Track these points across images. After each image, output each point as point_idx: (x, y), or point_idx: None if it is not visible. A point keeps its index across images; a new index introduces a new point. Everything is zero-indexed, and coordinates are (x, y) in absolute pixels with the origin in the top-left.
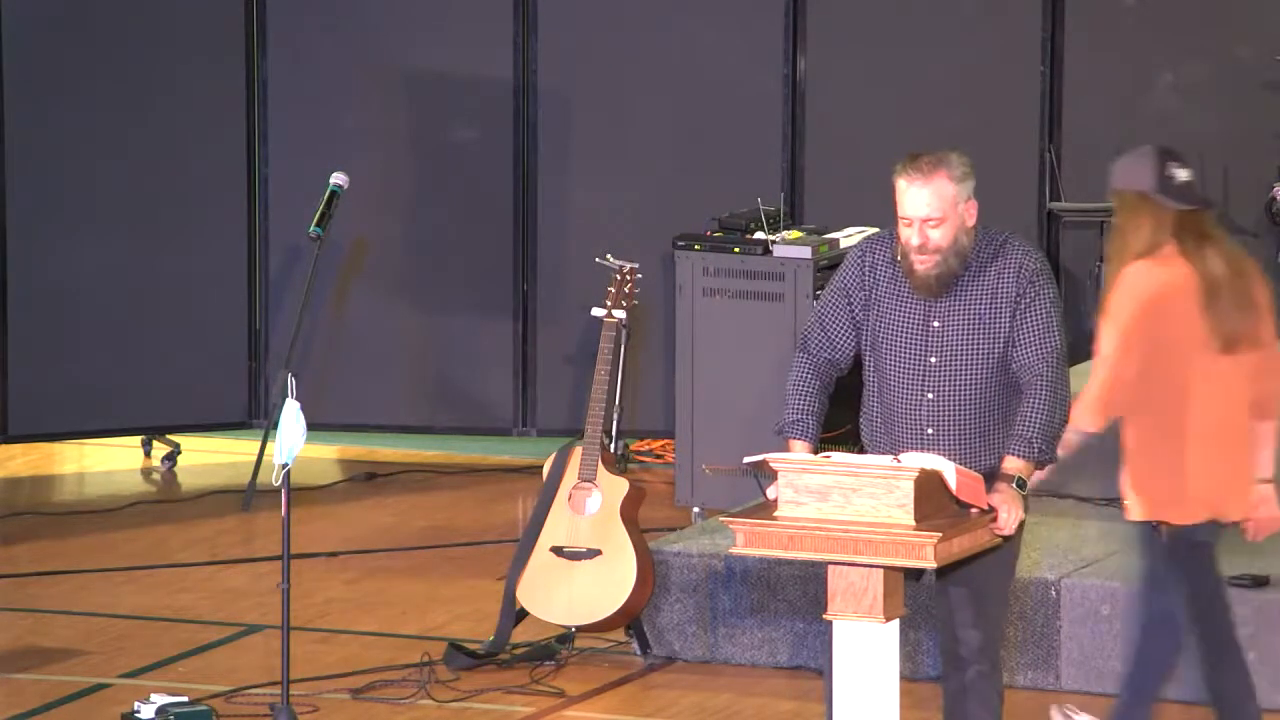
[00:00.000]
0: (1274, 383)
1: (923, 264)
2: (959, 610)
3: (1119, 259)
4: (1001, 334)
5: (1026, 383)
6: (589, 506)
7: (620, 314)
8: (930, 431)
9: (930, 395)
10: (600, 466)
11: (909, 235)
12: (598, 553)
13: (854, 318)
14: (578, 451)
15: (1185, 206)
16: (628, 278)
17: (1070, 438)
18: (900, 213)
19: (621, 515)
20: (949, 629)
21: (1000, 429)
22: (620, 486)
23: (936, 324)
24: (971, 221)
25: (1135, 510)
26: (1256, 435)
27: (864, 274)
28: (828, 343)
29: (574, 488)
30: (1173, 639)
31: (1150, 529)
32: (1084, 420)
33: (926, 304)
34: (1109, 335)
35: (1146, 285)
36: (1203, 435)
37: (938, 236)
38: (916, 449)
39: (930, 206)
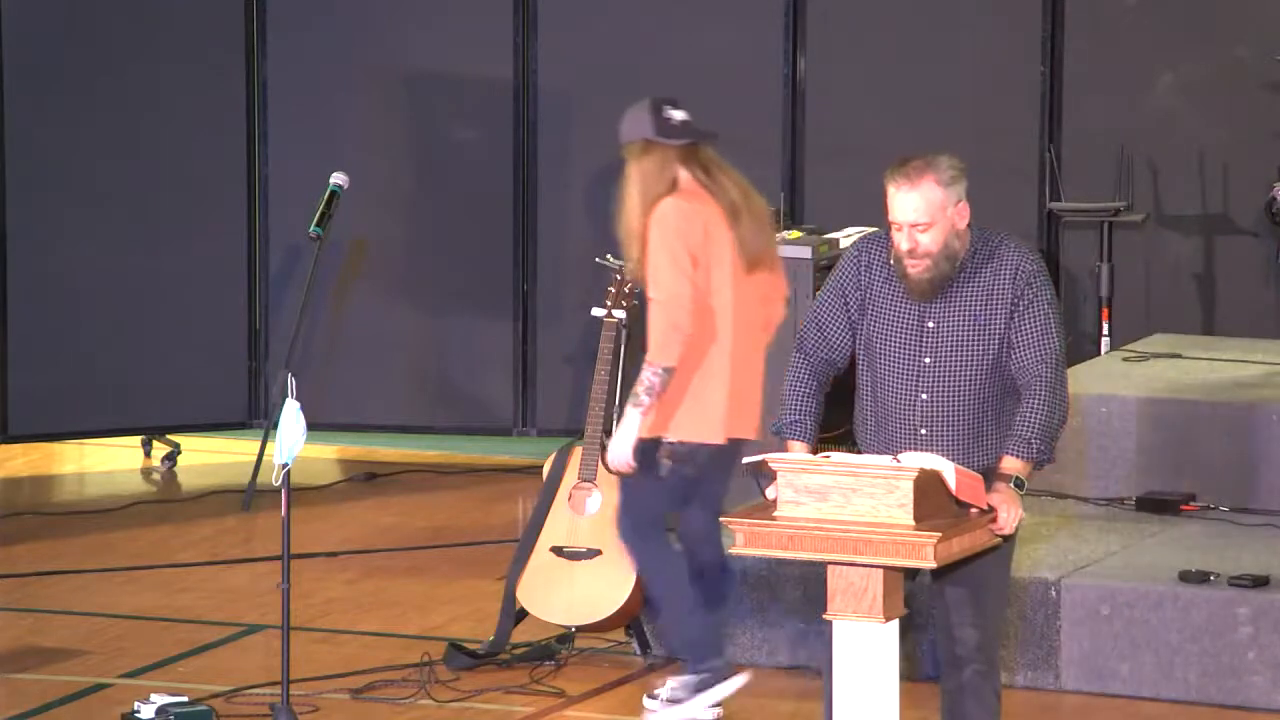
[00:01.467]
0: (779, 305)
1: (914, 268)
2: (957, 609)
3: (642, 206)
4: (997, 335)
5: (1025, 384)
6: (589, 506)
7: (620, 314)
8: (924, 432)
9: (924, 396)
10: (600, 467)
11: (899, 240)
12: (598, 553)
13: (850, 318)
14: (578, 451)
15: (685, 141)
16: (628, 278)
17: (653, 379)
18: (890, 217)
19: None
20: (946, 628)
21: (994, 429)
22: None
23: (931, 324)
24: (963, 224)
25: (652, 427)
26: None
27: (860, 274)
28: (824, 343)
29: (574, 488)
30: (711, 550)
31: (663, 446)
32: (666, 357)
33: (922, 305)
34: (662, 273)
35: (681, 217)
36: (735, 355)
37: (927, 241)
38: (910, 449)
39: (918, 211)
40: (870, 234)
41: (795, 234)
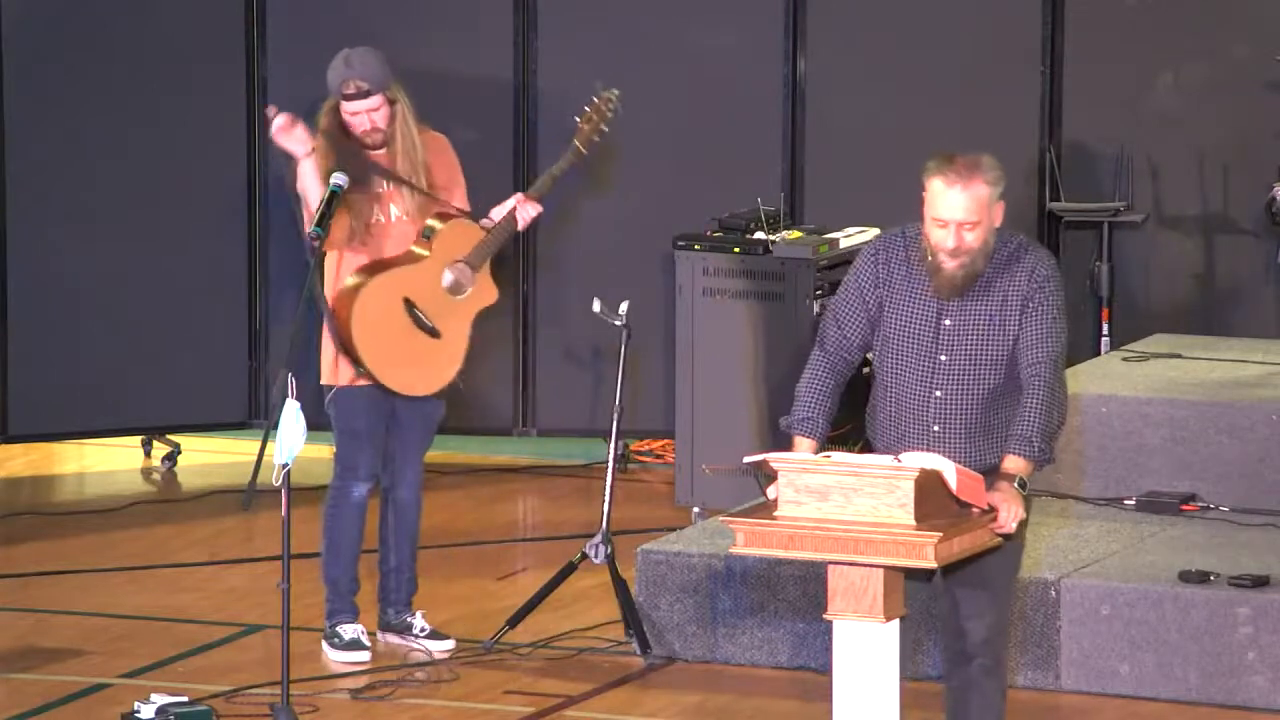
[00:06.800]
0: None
1: (951, 265)
2: (963, 604)
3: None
4: (1012, 335)
5: (1026, 381)
6: (457, 287)
7: (623, 311)
8: (937, 429)
9: (939, 393)
10: (486, 268)
11: (943, 237)
12: (438, 335)
13: (869, 315)
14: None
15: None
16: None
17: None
18: (934, 214)
19: (473, 315)
20: (952, 624)
21: (1006, 428)
22: (489, 295)
23: (948, 323)
24: (999, 223)
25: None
26: None
27: (878, 272)
28: (844, 340)
29: (455, 261)
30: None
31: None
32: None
33: (939, 303)
34: None
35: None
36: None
37: (971, 239)
38: (923, 446)
39: (967, 210)
40: (888, 233)
41: (795, 234)
